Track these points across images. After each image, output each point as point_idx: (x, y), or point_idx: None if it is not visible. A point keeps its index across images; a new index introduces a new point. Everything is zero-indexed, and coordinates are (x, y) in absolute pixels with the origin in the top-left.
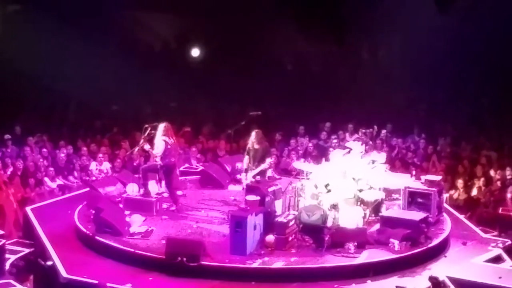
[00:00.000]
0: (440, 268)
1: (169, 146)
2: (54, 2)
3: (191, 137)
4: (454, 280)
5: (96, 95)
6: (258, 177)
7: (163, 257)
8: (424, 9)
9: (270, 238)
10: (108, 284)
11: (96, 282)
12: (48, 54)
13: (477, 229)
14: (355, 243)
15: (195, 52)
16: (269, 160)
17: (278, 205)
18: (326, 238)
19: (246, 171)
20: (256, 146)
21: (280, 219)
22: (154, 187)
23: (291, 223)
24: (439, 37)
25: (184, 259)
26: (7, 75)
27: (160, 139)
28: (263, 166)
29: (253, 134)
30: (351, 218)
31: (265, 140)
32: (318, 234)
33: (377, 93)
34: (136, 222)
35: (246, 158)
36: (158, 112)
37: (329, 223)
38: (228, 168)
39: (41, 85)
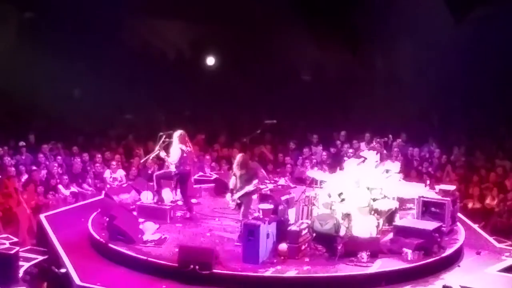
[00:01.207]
0: (454, 278)
1: (185, 154)
2: (67, 11)
3: (205, 145)
4: None
5: (109, 103)
6: (242, 199)
7: (175, 265)
8: (439, 19)
9: (283, 246)
10: None
11: None
12: (61, 62)
13: (491, 239)
14: (368, 252)
15: (210, 60)
16: (255, 182)
17: (292, 214)
18: (339, 247)
19: (232, 191)
20: (238, 172)
21: (293, 227)
22: (168, 194)
23: (304, 232)
24: (454, 46)
25: (197, 267)
26: (20, 82)
27: (177, 147)
28: (247, 189)
29: (237, 158)
30: (364, 227)
31: (250, 164)
32: (330, 243)
33: (391, 102)
34: (149, 230)
35: (233, 179)
36: (172, 121)
37: (342, 232)
38: None
39: (55, 94)
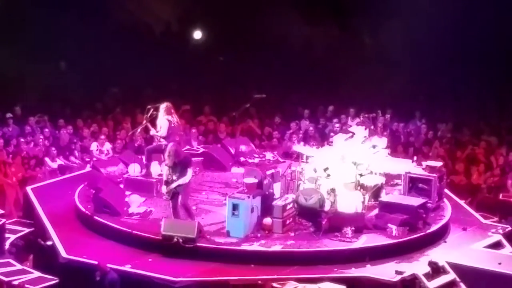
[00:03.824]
0: (440, 254)
1: (172, 125)
2: None
3: (191, 117)
4: (453, 266)
5: (96, 77)
6: (179, 189)
7: (159, 238)
8: None
9: (268, 221)
10: (108, 265)
11: (96, 262)
12: (47, 35)
13: (477, 215)
14: (353, 228)
15: (197, 34)
16: (190, 172)
17: (277, 188)
18: (323, 222)
19: (166, 182)
20: (171, 163)
21: (278, 202)
22: (156, 168)
23: (289, 207)
24: (441, 21)
25: (180, 240)
26: (6, 55)
27: (163, 119)
28: (183, 180)
29: (168, 148)
30: (350, 202)
31: (182, 154)
32: (315, 218)
33: (378, 77)
34: (135, 203)
35: (165, 169)
36: (159, 95)
37: (326, 207)
38: (232, 151)
39: (40, 66)
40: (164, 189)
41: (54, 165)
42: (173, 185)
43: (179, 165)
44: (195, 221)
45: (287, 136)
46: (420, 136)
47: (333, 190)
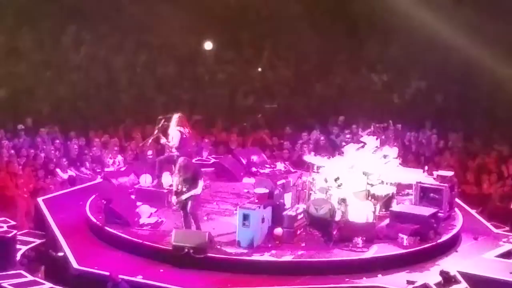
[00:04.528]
0: (451, 263)
1: (184, 136)
2: None
3: (203, 128)
4: (465, 275)
5: (106, 86)
6: (189, 199)
7: (170, 249)
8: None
9: (278, 231)
10: (119, 276)
11: (107, 273)
12: (58, 46)
13: (488, 224)
14: (364, 238)
15: (208, 45)
16: (201, 184)
17: (288, 198)
18: (334, 232)
19: (176, 193)
20: (182, 176)
21: (289, 212)
22: (167, 178)
23: (299, 217)
24: (452, 29)
25: (191, 251)
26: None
27: (175, 130)
28: (194, 192)
29: (179, 161)
30: (360, 212)
31: (192, 166)
32: (326, 228)
33: (388, 87)
34: (146, 213)
35: (175, 180)
36: (169, 105)
37: (337, 217)
38: (244, 161)
39: (51, 76)
40: (174, 199)
41: (65, 176)
42: (184, 196)
43: (190, 177)
44: (205, 231)
45: (298, 147)
46: (431, 146)
47: (344, 200)
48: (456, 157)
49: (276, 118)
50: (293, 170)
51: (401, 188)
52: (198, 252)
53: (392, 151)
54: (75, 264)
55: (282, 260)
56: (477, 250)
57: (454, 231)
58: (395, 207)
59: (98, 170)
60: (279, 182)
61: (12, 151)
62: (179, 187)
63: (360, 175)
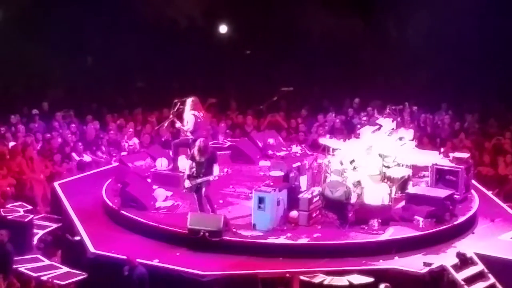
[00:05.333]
0: (468, 245)
1: (199, 120)
2: None
3: (218, 111)
4: (481, 257)
5: (120, 71)
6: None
7: (185, 232)
8: None
9: (294, 213)
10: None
11: (125, 257)
12: (74, 31)
13: (505, 206)
14: (379, 220)
15: (223, 28)
16: (217, 168)
17: (303, 181)
18: (350, 215)
19: (189, 177)
20: (199, 158)
21: (304, 195)
22: (183, 162)
23: (315, 199)
24: (467, 11)
25: (206, 234)
26: (32, 51)
27: (190, 114)
28: (212, 176)
29: (197, 143)
30: (376, 194)
31: (210, 149)
32: (341, 211)
33: (404, 69)
34: (161, 196)
35: (189, 163)
36: (185, 88)
37: (352, 200)
38: (260, 144)
39: (65, 61)
40: (187, 183)
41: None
42: (199, 180)
43: (206, 161)
44: (221, 214)
45: (314, 129)
46: (447, 127)
47: (359, 182)
48: (472, 138)
49: (292, 100)
50: (309, 153)
51: (417, 170)
52: (214, 235)
53: (408, 133)
54: (91, 248)
55: (297, 243)
56: (493, 232)
57: (470, 213)
58: (411, 189)
59: (114, 154)
60: (294, 165)
61: (28, 136)
62: (193, 170)
63: (375, 157)
